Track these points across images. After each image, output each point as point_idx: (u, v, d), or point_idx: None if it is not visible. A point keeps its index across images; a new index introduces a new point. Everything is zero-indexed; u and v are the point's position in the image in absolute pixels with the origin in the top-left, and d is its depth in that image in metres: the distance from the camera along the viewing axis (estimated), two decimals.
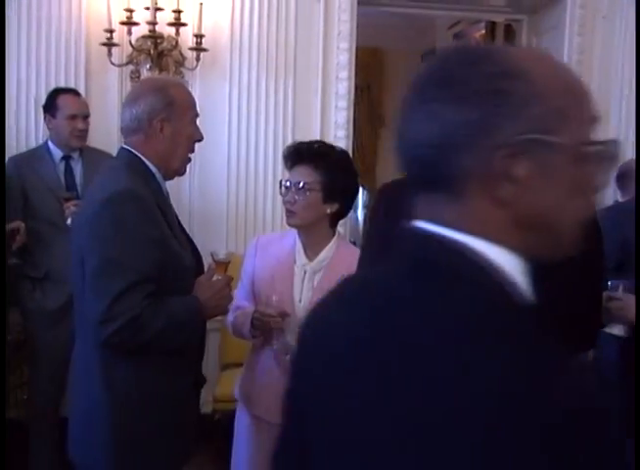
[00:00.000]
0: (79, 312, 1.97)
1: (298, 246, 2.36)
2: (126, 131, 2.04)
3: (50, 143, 3.41)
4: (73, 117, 3.35)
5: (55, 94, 3.43)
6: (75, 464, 2.04)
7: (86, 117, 3.40)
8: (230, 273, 2.13)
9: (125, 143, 2.05)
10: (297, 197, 2.27)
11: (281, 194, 2.35)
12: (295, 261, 2.35)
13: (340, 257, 2.35)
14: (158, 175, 2.03)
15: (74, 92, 3.46)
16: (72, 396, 2.08)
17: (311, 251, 2.36)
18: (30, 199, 3.30)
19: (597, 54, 4.46)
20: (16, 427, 3.53)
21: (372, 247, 2.00)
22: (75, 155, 3.40)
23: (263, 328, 2.27)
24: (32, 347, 3.38)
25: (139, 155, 2.01)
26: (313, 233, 2.35)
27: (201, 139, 2.11)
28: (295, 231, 2.39)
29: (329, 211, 2.32)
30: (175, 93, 2.03)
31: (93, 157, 3.40)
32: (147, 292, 1.85)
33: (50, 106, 3.38)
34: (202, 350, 2.20)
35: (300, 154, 2.33)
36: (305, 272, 2.33)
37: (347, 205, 2.39)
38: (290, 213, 2.31)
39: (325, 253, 2.34)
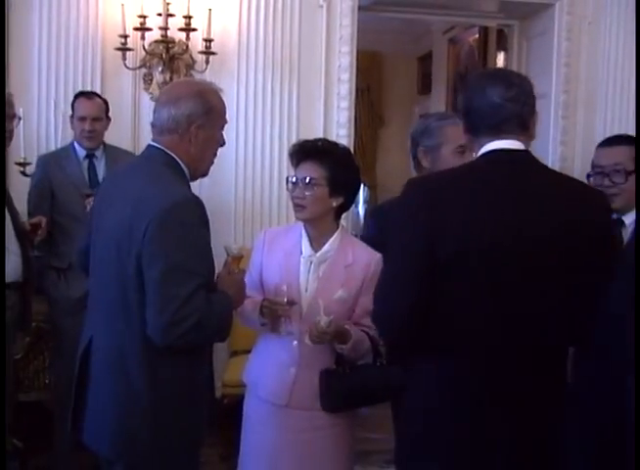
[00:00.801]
0: (115, 307, 1.98)
1: (304, 238, 2.44)
2: (160, 129, 2.04)
3: (75, 142, 3.58)
4: (83, 119, 3.51)
5: (75, 97, 3.62)
6: (95, 447, 2.10)
7: (96, 119, 3.52)
8: (242, 267, 2.21)
9: (154, 140, 2.07)
10: (305, 192, 2.35)
11: (288, 190, 2.44)
12: (301, 253, 2.43)
13: (343, 248, 2.42)
14: (187, 176, 2.06)
15: (88, 95, 3.60)
16: (98, 390, 2.06)
17: (316, 243, 2.42)
18: (56, 195, 3.46)
19: (584, 57, 4.63)
20: (38, 409, 3.72)
21: None
22: (98, 153, 3.56)
23: (272, 316, 2.35)
24: (57, 333, 3.51)
25: (172, 154, 2.02)
26: (319, 226, 2.43)
27: (224, 144, 2.16)
28: (300, 224, 2.48)
29: (334, 204, 2.39)
30: (214, 100, 2.06)
31: (115, 155, 3.57)
32: (205, 294, 1.91)
33: (71, 108, 3.59)
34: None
35: (306, 151, 2.42)
36: (311, 263, 2.41)
37: (350, 198, 2.47)
38: (299, 208, 2.38)
39: (329, 244, 2.41)
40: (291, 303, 2.32)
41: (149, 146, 2.09)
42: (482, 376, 1.79)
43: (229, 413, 3.70)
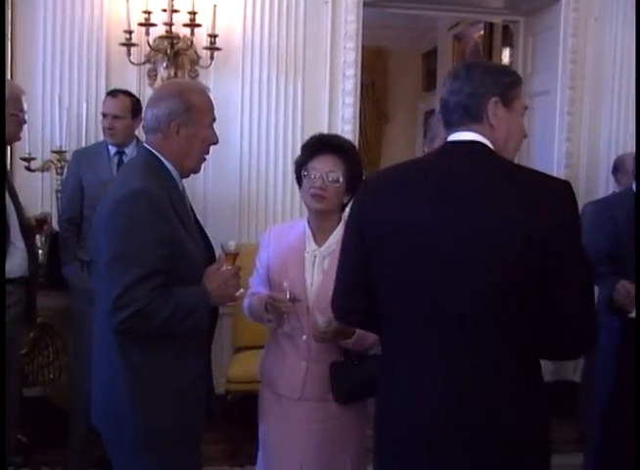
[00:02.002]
0: (98, 294, 2.09)
1: (308, 233, 2.47)
2: (147, 130, 2.15)
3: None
4: (105, 116, 3.59)
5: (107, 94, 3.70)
6: (99, 431, 2.17)
7: (116, 117, 3.56)
8: (239, 264, 2.22)
9: (145, 141, 2.16)
10: (328, 183, 2.38)
11: (303, 176, 2.43)
12: (305, 248, 2.46)
13: None
14: (174, 173, 2.12)
15: (113, 93, 3.64)
16: (94, 372, 2.19)
17: (320, 237, 2.46)
18: (86, 190, 3.55)
19: (590, 54, 4.63)
20: (43, 404, 3.74)
21: None
22: (129, 150, 3.60)
23: (275, 312, 2.37)
24: (77, 324, 3.52)
25: (156, 153, 2.11)
26: (327, 220, 2.46)
27: (216, 142, 2.20)
28: (304, 220, 2.52)
29: (344, 201, 2.46)
30: (194, 99, 2.11)
31: None
32: (155, 284, 1.96)
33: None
34: (211, 335, 2.27)
35: (327, 144, 2.45)
36: (315, 257, 2.44)
37: (352, 197, 2.46)
38: (319, 198, 2.39)
39: (333, 238, 2.44)
40: (293, 300, 2.34)
41: (140, 147, 2.22)
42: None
43: (234, 409, 3.77)
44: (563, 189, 1.72)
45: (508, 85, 1.81)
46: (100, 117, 3.71)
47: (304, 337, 2.41)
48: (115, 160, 3.61)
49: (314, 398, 2.41)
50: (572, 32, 4.57)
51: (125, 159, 3.58)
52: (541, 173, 1.81)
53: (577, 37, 4.59)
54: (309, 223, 2.49)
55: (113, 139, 3.58)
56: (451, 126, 1.82)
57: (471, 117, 1.78)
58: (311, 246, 2.46)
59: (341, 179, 2.39)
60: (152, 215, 1.98)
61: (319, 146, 2.45)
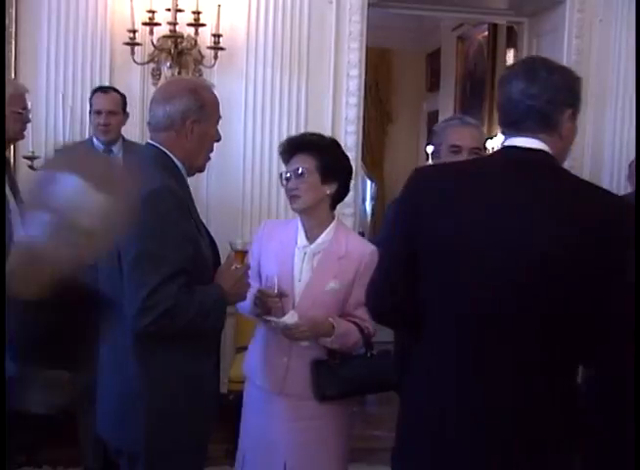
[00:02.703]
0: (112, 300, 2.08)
1: (300, 230, 2.49)
2: (156, 127, 2.09)
3: (93, 137, 3.62)
4: (99, 113, 3.56)
5: (92, 92, 3.67)
6: (108, 440, 2.16)
7: (111, 112, 3.55)
8: (247, 262, 2.24)
9: (152, 138, 2.11)
10: (297, 182, 2.42)
11: (282, 185, 2.49)
12: (296, 244, 2.48)
13: (337, 239, 2.48)
14: (183, 171, 2.11)
15: (104, 90, 3.64)
16: (103, 382, 2.14)
17: (312, 234, 2.48)
18: None
19: (594, 55, 4.61)
20: None
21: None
22: (115, 148, 3.59)
23: (263, 307, 2.39)
24: None
25: (167, 151, 2.07)
26: (314, 216, 2.48)
27: (219, 139, 2.20)
28: (298, 218, 2.54)
29: (328, 191, 2.45)
30: (207, 96, 2.11)
31: (133, 150, 3.57)
32: (181, 283, 1.93)
33: (89, 103, 3.64)
34: (220, 335, 2.27)
35: (294, 145, 2.49)
36: (305, 254, 2.46)
37: (345, 184, 2.52)
38: (293, 198, 2.45)
39: (324, 236, 2.47)
40: (281, 295, 2.38)
41: (146, 144, 2.16)
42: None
43: (235, 409, 3.76)
44: (624, 210, 1.67)
45: (578, 96, 1.75)
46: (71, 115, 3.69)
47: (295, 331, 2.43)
48: None
49: (296, 394, 2.44)
50: (577, 33, 4.56)
51: (113, 156, 3.54)
52: (603, 190, 1.76)
53: (582, 38, 4.58)
54: (301, 220, 2.53)
55: (107, 136, 3.54)
56: (517, 130, 1.72)
57: (545, 125, 1.70)
58: (302, 242, 2.49)
59: (313, 171, 2.41)
60: (177, 213, 1.96)
61: (288, 149, 2.50)
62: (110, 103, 3.56)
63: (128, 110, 3.85)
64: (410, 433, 1.85)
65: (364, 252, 2.46)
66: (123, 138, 3.60)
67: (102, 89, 3.64)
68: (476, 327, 1.70)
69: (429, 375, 1.81)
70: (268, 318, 2.38)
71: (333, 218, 2.52)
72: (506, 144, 1.75)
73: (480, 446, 1.71)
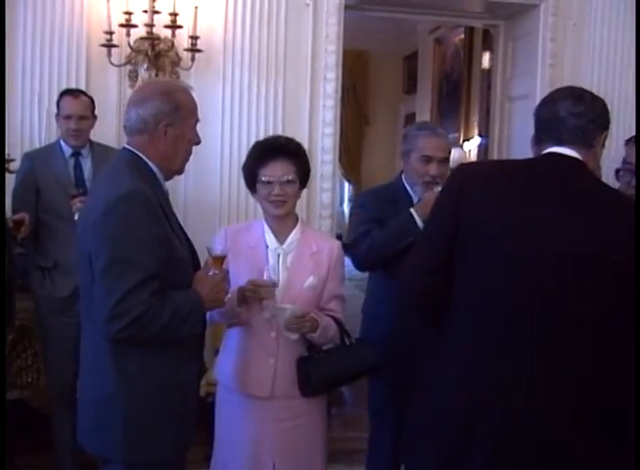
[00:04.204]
0: (86, 306, 2.02)
1: (268, 233, 2.52)
2: (130, 131, 2.07)
3: (61, 140, 3.52)
4: (69, 118, 3.45)
5: (60, 95, 3.56)
6: (87, 448, 2.12)
7: (82, 117, 3.46)
8: (225, 267, 2.21)
9: (128, 142, 2.09)
10: (285, 188, 2.46)
11: (255, 190, 2.52)
12: (266, 246, 2.51)
13: (306, 238, 2.55)
14: (159, 175, 2.07)
15: (74, 93, 3.54)
16: (81, 387, 2.13)
17: (280, 235, 2.53)
18: (42, 193, 3.40)
19: (568, 58, 4.66)
20: (21, 408, 3.67)
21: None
22: (84, 151, 3.50)
23: (256, 298, 2.39)
24: (43, 333, 3.48)
25: (141, 155, 2.04)
26: (287, 219, 2.54)
27: (198, 143, 2.16)
28: (261, 221, 2.57)
29: (299, 197, 2.58)
30: (181, 98, 2.07)
31: (101, 152, 3.51)
32: (153, 289, 1.90)
33: (57, 106, 3.53)
34: (202, 340, 2.23)
35: (276, 148, 2.51)
36: (279, 255, 2.50)
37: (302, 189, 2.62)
38: (281, 204, 2.47)
39: (293, 236, 2.53)
40: (274, 284, 2.41)
41: (122, 148, 2.13)
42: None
43: (214, 412, 3.75)
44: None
45: (609, 122, 1.96)
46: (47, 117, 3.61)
47: (273, 333, 2.46)
48: (72, 161, 3.49)
49: (284, 394, 2.46)
50: (552, 37, 4.60)
51: (82, 159, 3.50)
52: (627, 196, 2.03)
53: (556, 42, 4.62)
54: (268, 223, 2.55)
55: (77, 141, 3.47)
56: (559, 142, 1.90)
57: (585, 142, 1.89)
58: (273, 244, 2.52)
59: (296, 179, 2.49)
60: (148, 217, 1.93)
61: (269, 152, 2.50)
62: (80, 108, 3.47)
63: (104, 112, 3.81)
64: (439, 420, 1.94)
65: (332, 246, 2.58)
66: (91, 141, 3.55)
67: (70, 92, 3.55)
68: (504, 322, 1.84)
69: (455, 360, 1.92)
70: (276, 306, 2.40)
71: (297, 219, 2.59)
72: (549, 151, 1.92)
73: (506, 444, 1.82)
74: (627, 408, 1.82)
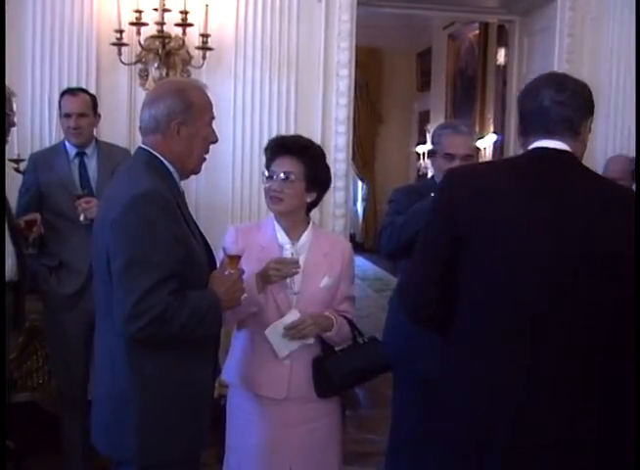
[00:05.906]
0: (101, 306, 2.03)
1: (279, 231, 2.50)
2: (145, 131, 2.08)
3: (66, 140, 3.50)
4: (68, 116, 3.42)
5: (61, 95, 3.54)
6: (100, 449, 2.12)
7: (81, 115, 3.42)
8: (241, 266, 2.19)
9: (143, 142, 2.09)
10: (284, 186, 2.43)
11: (263, 182, 2.50)
12: (278, 245, 2.49)
13: (318, 241, 2.53)
14: (175, 174, 2.07)
15: (72, 92, 3.51)
16: (97, 384, 2.14)
17: (292, 234, 2.51)
18: (45, 194, 3.39)
19: (586, 54, 4.58)
20: (32, 410, 3.67)
21: None
22: (89, 151, 3.47)
23: (280, 276, 2.36)
24: (51, 332, 3.47)
25: (157, 154, 2.04)
26: (292, 219, 2.50)
27: (216, 141, 2.16)
28: (271, 219, 2.54)
29: (308, 200, 2.49)
30: (194, 96, 2.06)
31: (108, 152, 3.49)
32: (171, 288, 1.90)
33: (59, 106, 3.52)
34: (218, 341, 2.24)
35: (285, 146, 2.49)
36: (292, 254, 2.48)
37: (321, 195, 2.58)
38: (277, 200, 2.44)
39: (305, 237, 2.51)
40: (296, 262, 2.40)
41: (138, 148, 2.14)
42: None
43: (224, 414, 3.73)
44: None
45: (593, 106, 1.92)
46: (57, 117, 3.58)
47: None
48: (77, 161, 3.45)
49: (299, 396, 2.44)
50: (569, 32, 4.53)
51: (87, 159, 3.46)
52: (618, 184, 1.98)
53: (574, 37, 4.55)
54: (278, 221, 2.53)
55: (78, 139, 3.43)
56: (546, 134, 1.87)
57: (572, 130, 1.87)
58: (286, 242, 2.51)
59: (300, 178, 2.43)
60: (167, 217, 1.93)
61: (277, 148, 2.50)
62: (78, 105, 3.43)
63: (115, 111, 3.81)
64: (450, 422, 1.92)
65: (344, 247, 2.62)
66: (96, 140, 3.52)
67: (70, 91, 3.51)
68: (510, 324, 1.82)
69: (466, 367, 1.89)
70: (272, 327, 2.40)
71: (308, 222, 2.56)
72: (536, 145, 1.88)
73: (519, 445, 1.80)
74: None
